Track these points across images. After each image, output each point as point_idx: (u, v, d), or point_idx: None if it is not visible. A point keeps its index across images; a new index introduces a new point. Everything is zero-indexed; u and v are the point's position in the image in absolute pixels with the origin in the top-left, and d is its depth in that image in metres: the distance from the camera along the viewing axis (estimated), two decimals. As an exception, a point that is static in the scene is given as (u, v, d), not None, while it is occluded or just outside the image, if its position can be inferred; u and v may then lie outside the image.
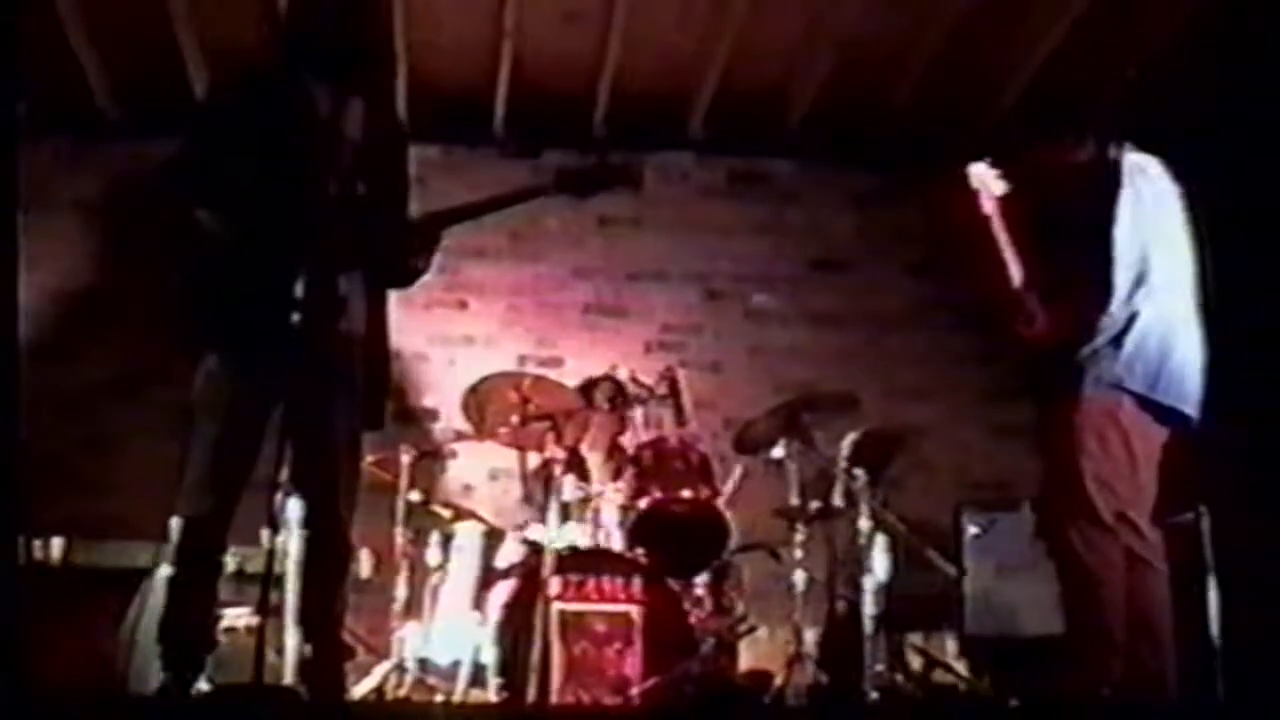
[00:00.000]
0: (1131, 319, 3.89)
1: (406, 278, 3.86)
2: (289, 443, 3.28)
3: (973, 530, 5.70)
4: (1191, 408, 3.98)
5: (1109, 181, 3.97)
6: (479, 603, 5.15)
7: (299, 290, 3.22)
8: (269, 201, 3.49)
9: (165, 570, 3.77)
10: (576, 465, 5.55)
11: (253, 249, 3.49)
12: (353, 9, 3.67)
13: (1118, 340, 3.89)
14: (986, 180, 4.27)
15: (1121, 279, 3.86)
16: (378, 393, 3.80)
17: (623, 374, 5.81)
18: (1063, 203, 4.14)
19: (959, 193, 4.29)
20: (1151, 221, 3.98)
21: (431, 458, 5.98)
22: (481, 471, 6.58)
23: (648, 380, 5.74)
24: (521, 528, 5.34)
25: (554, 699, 4.59)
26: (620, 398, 5.76)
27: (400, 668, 5.06)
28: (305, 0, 3.77)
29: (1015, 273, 4.13)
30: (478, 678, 4.89)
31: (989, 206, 4.23)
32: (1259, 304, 5.80)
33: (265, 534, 3.20)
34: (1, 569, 3.19)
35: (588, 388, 5.78)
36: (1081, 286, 3.95)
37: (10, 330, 3.09)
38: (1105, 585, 3.80)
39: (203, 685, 3.53)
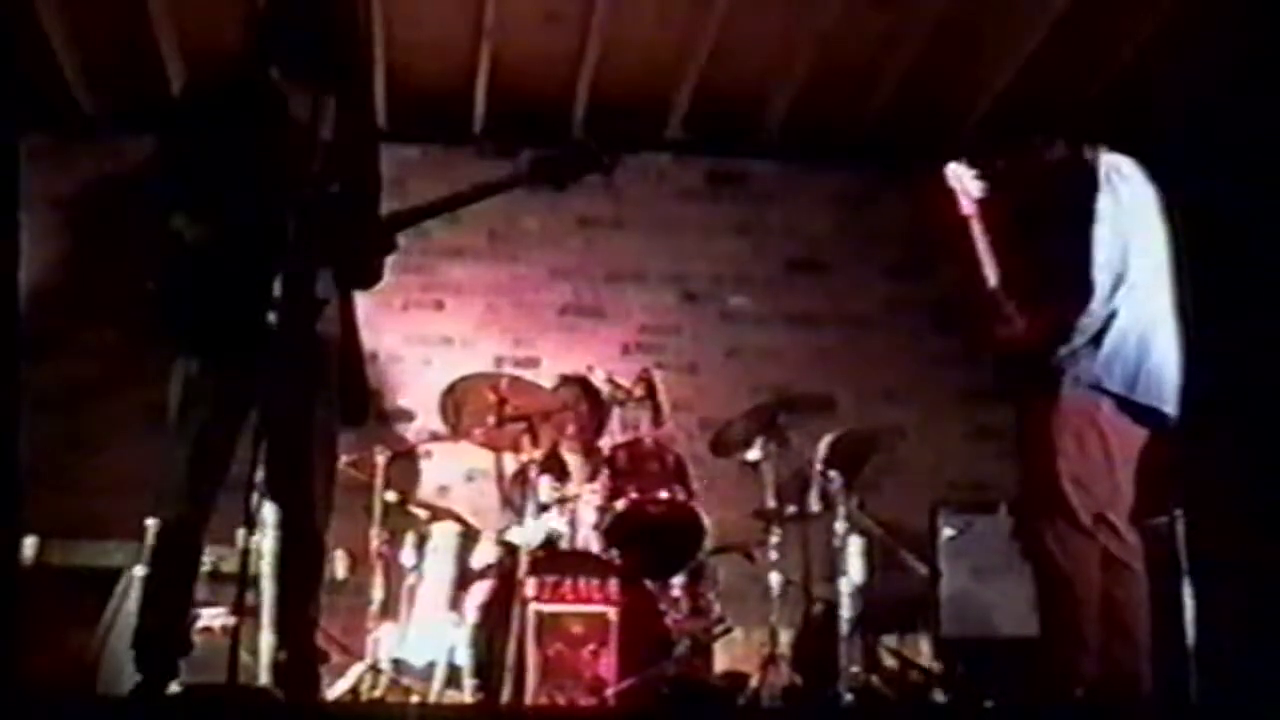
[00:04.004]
0: (1109, 319, 3.90)
1: (371, 278, 3.84)
2: (264, 445, 3.26)
3: (949, 532, 5.70)
4: (1169, 408, 3.99)
5: (1085, 182, 3.98)
6: (455, 604, 5.15)
7: (275, 293, 3.20)
8: (245, 205, 3.48)
9: (141, 571, 3.75)
10: (555, 466, 5.54)
11: (229, 253, 3.48)
12: (328, 10, 3.66)
13: (1096, 340, 3.90)
14: (964, 180, 4.27)
15: (1101, 279, 3.87)
16: (356, 389, 3.79)
17: (599, 375, 5.80)
18: (1040, 203, 4.14)
19: (937, 193, 4.30)
20: (1129, 221, 3.99)
21: (407, 458, 5.96)
22: (458, 472, 6.56)
23: (625, 382, 5.72)
24: (503, 532, 5.33)
25: (529, 700, 4.59)
26: (596, 398, 5.76)
27: (375, 669, 5.04)
28: (281, 1, 3.76)
29: (991, 274, 4.13)
30: (453, 679, 4.90)
31: (967, 207, 4.24)
32: (1235, 303, 5.82)
33: (241, 534, 3.18)
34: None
35: (559, 388, 5.78)
36: (1059, 287, 3.95)
37: (10, 331, 3.07)
38: (1080, 587, 3.81)
39: (176, 686, 3.51)
